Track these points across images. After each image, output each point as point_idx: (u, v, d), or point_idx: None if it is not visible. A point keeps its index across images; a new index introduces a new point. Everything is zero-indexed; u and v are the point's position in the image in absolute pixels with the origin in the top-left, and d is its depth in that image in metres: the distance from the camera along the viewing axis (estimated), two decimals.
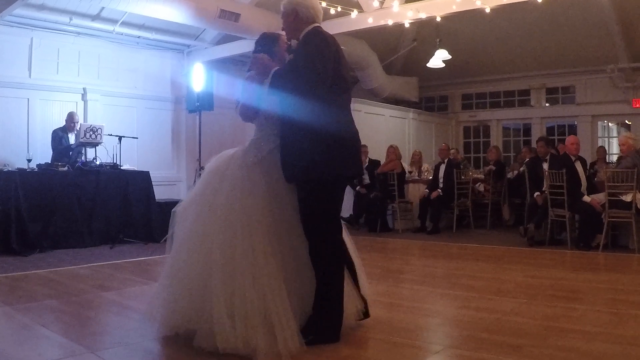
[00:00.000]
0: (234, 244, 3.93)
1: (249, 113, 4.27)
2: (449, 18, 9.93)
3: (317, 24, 4.20)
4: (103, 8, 10.60)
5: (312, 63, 3.90)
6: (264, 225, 3.99)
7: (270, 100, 4.14)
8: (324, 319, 3.99)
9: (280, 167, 4.12)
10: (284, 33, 4.41)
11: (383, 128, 14.47)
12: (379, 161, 12.59)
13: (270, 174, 4.15)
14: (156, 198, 10.41)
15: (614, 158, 13.62)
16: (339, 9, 9.87)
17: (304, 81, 3.93)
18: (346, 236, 4.38)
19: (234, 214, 4.01)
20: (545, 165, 9.88)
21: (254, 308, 3.76)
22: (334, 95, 4.05)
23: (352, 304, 4.23)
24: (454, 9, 9.17)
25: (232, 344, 3.72)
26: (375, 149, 13.07)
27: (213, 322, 3.78)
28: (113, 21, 11.27)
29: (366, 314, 4.38)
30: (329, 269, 4.00)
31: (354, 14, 10.01)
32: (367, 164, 12.41)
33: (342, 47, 4.21)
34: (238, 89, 4.45)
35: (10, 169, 9.14)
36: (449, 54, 13.07)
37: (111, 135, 10.04)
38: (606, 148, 14.75)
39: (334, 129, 4.00)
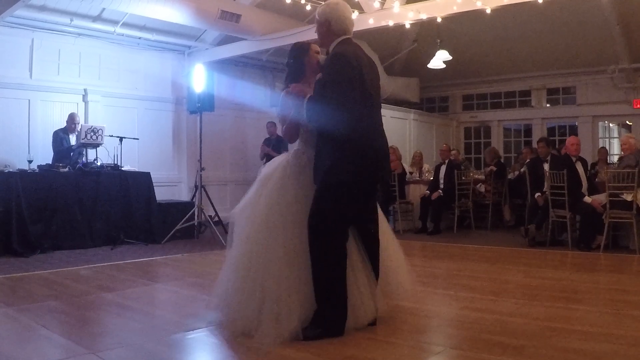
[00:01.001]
0: (259, 240, 4.36)
1: (293, 134, 4.57)
2: (449, 19, 9.94)
3: (348, 36, 4.43)
4: (104, 9, 10.63)
5: (337, 87, 4.14)
6: (293, 226, 4.32)
7: (307, 121, 4.37)
8: (327, 315, 4.17)
9: None
10: (314, 42, 4.73)
11: (384, 129, 14.43)
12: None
13: (305, 181, 4.44)
14: (157, 199, 10.42)
15: (615, 159, 13.62)
16: None
17: (331, 103, 4.14)
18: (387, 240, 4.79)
19: (268, 215, 4.39)
20: (546, 166, 9.87)
21: (258, 293, 4.17)
22: (359, 111, 4.22)
23: (364, 306, 4.36)
24: (455, 9, 9.18)
25: (230, 317, 4.32)
26: None
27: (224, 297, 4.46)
28: (114, 22, 11.29)
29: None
30: (330, 270, 4.17)
31: (355, 14, 9.93)
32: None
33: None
34: (279, 106, 4.75)
35: (11, 170, 9.13)
36: (449, 54, 13.09)
37: (112, 136, 10.06)
38: (607, 149, 14.77)
39: (357, 139, 4.22)
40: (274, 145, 12.49)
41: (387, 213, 11.99)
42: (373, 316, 4.38)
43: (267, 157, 12.58)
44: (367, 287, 4.40)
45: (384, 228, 4.91)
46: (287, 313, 4.10)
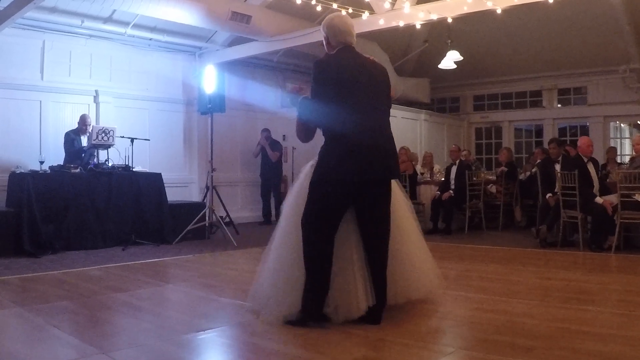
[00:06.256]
0: (283, 235, 4.85)
1: (300, 133, 4.89)
2: (460, 19, 9.90)
3: (347, 44, 4.75)
4: (115, 11, 10.65)
5: (315, 94, 4.59)
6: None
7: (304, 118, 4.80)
8: (306, 300, 4.52)
9: None
10: None
11: (395, 129, 14.24)
12: None
13: None
14: (168, 200, 10.44)
15: (626, 159, 13.56)
16: (350, 10, 9.87)
17: (313, 103, 4.63)
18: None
19: (288, 210, 4.90)
20: (557, 167, 9.84)
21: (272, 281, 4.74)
22: (337, 109, 4.50)
23: (357, 300, 4.53)
24: (465, 10, 9.15)
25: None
26: None
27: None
28: (125, 24, 11.32)
29: (372, 318, 4.54)
30: (308, 260, 4.52)
31: (365, 15, 9.99)
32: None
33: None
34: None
35: (23, 170, 9.19)
36: (460, 55, 13.07)
37: (123, 137, 10.10)
38: (618, 149, 14.70)
39: (339, 137, 4.52)
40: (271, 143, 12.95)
41: None
42: (363, 311, 4.50)
43: (262, 151, 12.77)
44: (362, 283, 4.57)
45: (406, 226, 5.08)
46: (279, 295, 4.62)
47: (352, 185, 4.51)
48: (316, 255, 4.52)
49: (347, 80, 4.54)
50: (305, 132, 4.82)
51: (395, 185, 5.02)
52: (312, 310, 4.49)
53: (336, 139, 4.53)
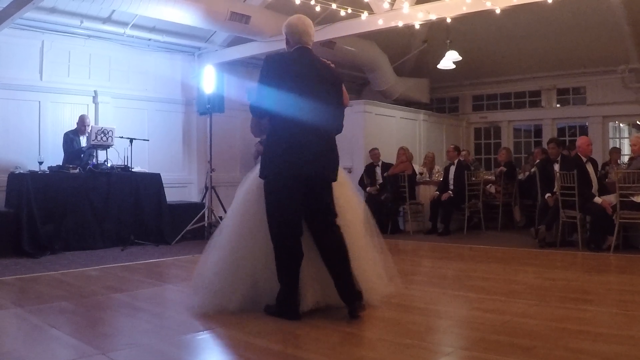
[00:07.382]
0: (225, 231, 5.36)
1: (252, 127, 5.29)
2: (459, 19, 9.89)
3: (301, 45, 4.99)
4: (114, 11, 10.63)
5: (260, 88, 4.81)
6: (251, 219, 5.04)
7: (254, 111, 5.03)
8: (280, 299, 4.72)
9: None
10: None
11: (394, 129, 14.45)
12: (392, 164, 12.59)
13: None
14: (167, 200, 10.45)
15: (625, 159, 13.55)
16: (349, 10, 9.87)
17: (258, 100, 4.87)
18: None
19: (234, 208, 5.40)
20: (556, 167, 9.84)
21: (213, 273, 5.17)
22: (283, 106, 4.69)
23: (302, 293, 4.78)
24: (464, 10, 9.14)
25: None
26: (386, 150, 13.07)
27: None
28: (124, 24, 11.31)
29: (352, 310, 4.65)
30: (277, 257, 4.72)
31: (364, 15, 9.99)
32: (379, 166, 12.57)
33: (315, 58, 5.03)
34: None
35: (21, 171, 9.18)
36: (459, 55, 13.05)
37: (122, 137, 10.09)
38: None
39: (278, 136, 4.77)
40: None
41: (397, 214, 12.02)
42: (308, 307, 4.75)
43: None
44: (308, 279, 4.81)
45: (357, 227, 5.20)
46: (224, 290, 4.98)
47: (290, 179, 4.66)
48: (287, 252, 4.68)
49: (291, 78, 4.76)
50: (256, 126, 5.16)
51: (346, 186, 5.26)
52: (290, 310, 4.66)
53: (275, 134, 4.78)
